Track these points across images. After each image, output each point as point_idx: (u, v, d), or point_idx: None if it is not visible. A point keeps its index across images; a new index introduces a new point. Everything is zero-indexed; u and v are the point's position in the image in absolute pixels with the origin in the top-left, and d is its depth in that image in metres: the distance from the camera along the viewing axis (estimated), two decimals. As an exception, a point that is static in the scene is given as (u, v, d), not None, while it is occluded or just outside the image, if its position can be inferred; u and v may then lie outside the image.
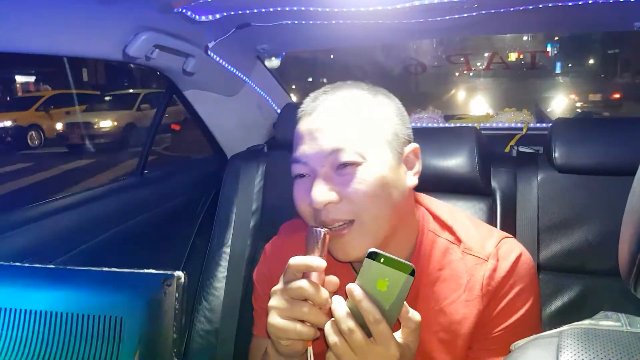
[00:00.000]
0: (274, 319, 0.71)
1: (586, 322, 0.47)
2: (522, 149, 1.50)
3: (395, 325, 0.66)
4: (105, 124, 10.92)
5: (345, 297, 0.67)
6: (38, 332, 0.52)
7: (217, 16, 1.21)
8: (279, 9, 1.21)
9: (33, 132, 11.14)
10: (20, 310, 0.52)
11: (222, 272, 1.51)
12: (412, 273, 0.63)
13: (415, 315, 0.67)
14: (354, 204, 0.76)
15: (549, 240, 1.31)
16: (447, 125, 1.90)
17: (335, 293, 0.72)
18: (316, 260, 0.71)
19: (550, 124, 1.45)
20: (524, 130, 1.82)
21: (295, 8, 1.21)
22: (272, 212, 1.53)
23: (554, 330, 0.47)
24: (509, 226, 1.32)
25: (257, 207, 1.57)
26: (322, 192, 0.76)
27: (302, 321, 0.70)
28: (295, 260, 0.72)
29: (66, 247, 1.23)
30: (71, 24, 1.03)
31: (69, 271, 0.56)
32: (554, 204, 1.33)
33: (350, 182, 0.76)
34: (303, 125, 0.82)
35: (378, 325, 0.64)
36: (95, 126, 10.76)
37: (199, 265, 1.57)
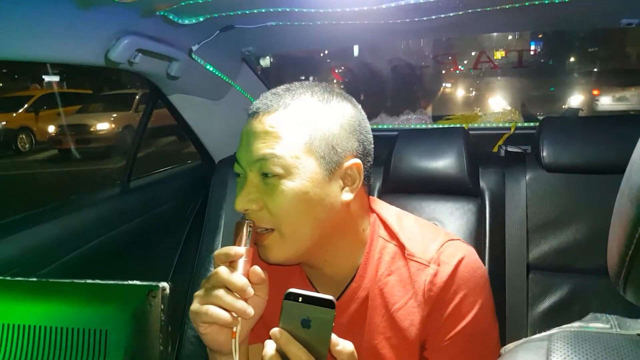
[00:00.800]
0: (193, 305, 0.72)
1: (576, 324, 0.47)
2: (510, 149, 1.51)
3: (330, 358, 0.66)
4: (102, 126, 10.25)
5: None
6: (21, 346, 0.50)
7: (201, 19, 1.19)
8: (263, 10, 1.20)
9: (23, 135, 10.39)
10: (3, 324, 0.50)
11: None
12: (333, 306, 0.63)
13: (346, 346, 0.66)
14: (273, 216, 0.77)
15: (538, 239, 1.32)
16: (435, 126, 1.91)
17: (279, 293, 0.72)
18: (234, 249, 0.73)
19: (538, 123, 1.46)
20: (512, 130, 1.84)
21: (279, 9, 1.19)
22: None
23: (543, 334, 0.47)
24: (498, 226, 1.33)
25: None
26: (243, 200, 0.77)
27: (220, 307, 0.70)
28: (218, 251, 0.74)
29: (54, 256, 1.21)
30: (50, 30, 1.01)
31: (52, 284, 0.54)
32: (542, 203, 1.34)
33: (272, 194, 0.76)
34: (245, 127, 0.82)
35: None
36: (91, 129, 10.09)
37: (189, 272, 1.55)
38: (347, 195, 0.81)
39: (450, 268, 0.81)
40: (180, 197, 1.74)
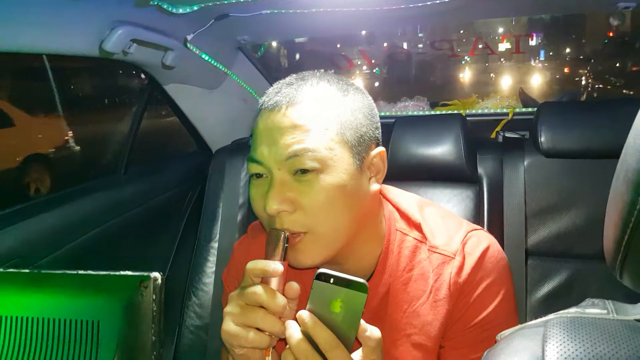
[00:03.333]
0: (228, 325, 0.67)
1: (572, 310, 0.47)
2: (508, 135, 1.50)
3: (355, 344, 0.63)
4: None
5: None
6: (13, 338, 0.50)
7: (195, 8, 1.18)
8: (258, -2, 1.18)
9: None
10: (-6, 317, 0.50)
11: (210, 267, 1.50)
12: (365, 290, 0.60)
13: (374, 332, 0.64)
14: (308, 216, 0.71)
15: (536, 225, 1.32)
16: (432, 112, 1.89)
17: (301, 298, 0.69)
18: (272, 265, 0.67)
19: (536, 109, 1.45)
20: (510, 115, 1.82)
21: (275, -3, 1.18)
22: (259, 205, 1.52)
23: (539, 320, 0.47)
24: (497, 212, 1.33)
25: (244, 200, 1.55)
26: (276, 201, 0.70)
27: (258, 329, 0.66)
28: (252, 265, 0.68)
29: (52, 248, 1.21)
30: (44, 20, 0.99)
31: (44, 275, 0.54)
32: (540, 188, 1.33)
33: (307, 191, 0.71)
34: (262, 122, 0.75)
35: (333, 352, 0.60)
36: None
37: (188, 262, 1.56)
38: (375, 186, 0.78)
39: (474, 259, 0.79)
40: (178, 187, 1.74)
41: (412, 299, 0.80)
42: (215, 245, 1.51)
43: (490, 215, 1.31)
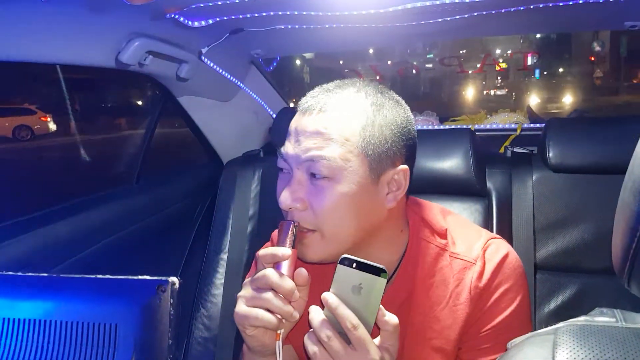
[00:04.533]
0: (239, 306, 0.71)
1: (582, 318, 0.47)
2: (516, 150, 1.50)
3: (373, 331, 0.66)
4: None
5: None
6: (33, 341, 0.51)
7: (210, 22, 1.21)
8: (272, 13, 1.21)
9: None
10: (15, 319, 0.52)
11: (219, 278, 1.51)
12: (385, 275, 0.64)
13: (392, 318, 0.67)
14: (317, 216, 0.76)
15: (545, 239, 1.32)
16: (442, 127, 1.91)
17: (314, 293, 0.72)
18: (281, 250, 0.72)
19: (544, 124, 1.46)
20: (518, 130, 1.83)
21: (288, 13, 1.21)
22: (269, 217, 1.53)
23: (549, 328, 0.47)
24: (505, 226, 1.33)
25: (254, 212, 1.56)
26: (289, 197, 0.76)
27: (268, 310, 0.70)
28: (263, 252, 0.73)
29: (63, 255, 1.22)
30: (63, 32, 1.03)
31: (63, 279, 0.55)
32: (549, 203, 1.33)
33: (319, 195, 0.75)
34: (294, 122, 0.80)
35: (356, 331, 0.64)
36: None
37: (197, 273, 1.56)
38: (391, 203, 0.80)
39: (494, 264, 0.82)
40: (189, 197, 1.76)
41: (433, 304, 0.83)
42: (225, 256, 1.52)
43: (499, 229, 1.31)
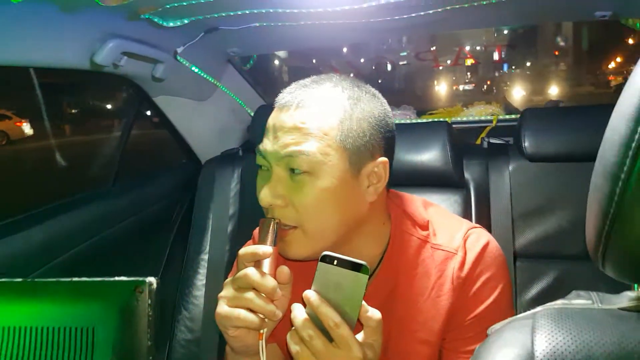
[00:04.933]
0: (221, 307, 0.70)
1: (559, 302, 0.49)
2: (492, 141, 1.53)
3: (356, 327, 0.66)
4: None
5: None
6: (7, 348, 0.50)
7: (185, 21, 1.19)
8: (247, 12, 1.20)
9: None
10: (-13, 327, 0.50)
11: (201, 279, 1.49)
12: (366, 271, 0.64)
13: (375, 313, 0.67)
14: (298, 212, 0.75)
15: (523, 228, 1.34)
16: (419, 120, 1.92)
17: (297, 290, 0.72)
18: (262, 248, 0.71)
19: (519, 115, 1.48)
20: (494, 122, 1.86)
21: (263, 11, 1.20)
22: (249, 216, 1.52)
23: (528, 312, 0.48)
24: (484, 216, 1.35)
25: (234, 211, 1.55)
26: (268, 194, 0.75)
27: (250, 310, 0.70)
28: (243, 250, 0.72)
29: (41, 261, 1.19)
30: (35, 33, 1.00)
31: (37, 284, 0.54)
32: (526, 192, 1.36)
33: (299, 190, 0.75)
34: (271, 118, 0.79)
35: (338, 329, 0.64)
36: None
37: (177, 274, 1.55)
38: (372, 196, 0.80)
39: (475, 253, 0.83)
40: (167, 198, 1.74)
41: (417, 296, 0.83)
42: (206, 257, 1.51)
43: (478, 219, 1.34)
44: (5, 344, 0.50)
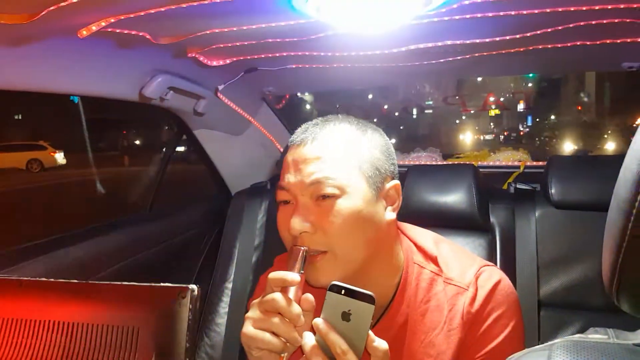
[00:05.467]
0: (247, 328, 0.73)
1: (576, 336, 0.50)
2: (519, 186, 1.53)
3: (364, 356, 0.68)
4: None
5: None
6: (61, 342, 0.54)
7: (227, 61, 1.29)
8: (284, 54, 1.29)
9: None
10: (46, 321, 0.55)
11: (224, 307, 1.51)
12: (372, 302, 0.65)
13: (381, 344, 0.68)
14: (328, 236, 0.79)
15: (548, 276, 1.32)
16: (445, 163, 1.95)
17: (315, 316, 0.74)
18: (291, 275, 0.74)
19: (546, 162, 1.49)
20: (521, 168, 1.87)
21: (300, 53, 1.28)
22: (274, 247, 1.55)
23: (545, 344, 0.50)
24: (509, 262, 1.33)
25: (260, 242, 1.59)
26: (299, 222, 0.79)
27: (274, 333, 0.72)
28: (273, 275, 0.75)
29: (74, 278, 1.25)
30: (91, 66, 1.10)
31: (90, 285, 0.59)
32: (552, 239, 1.35)
33: (327, 214, 0.79)
34: (290, 155, 0.85)
35: (345, 357, 0.65)
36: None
37: (202, 301, 1.57)
38: (390, 215, 0.85)
39: (486, 291, 0.85)
40: (197, 227, 1.79)
41: (429, 329, 0.85)
42: (230, 285, 1.53)
43: (503, 264, 1.33)
44: (59, 338, 0.54)
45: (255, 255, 1.57)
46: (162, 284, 0.56)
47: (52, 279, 0.59)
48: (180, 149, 1.88)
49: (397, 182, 0.87)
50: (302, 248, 0.78)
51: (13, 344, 0.54)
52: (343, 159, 0.82)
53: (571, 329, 1.27)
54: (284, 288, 0.75)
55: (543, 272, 1.32)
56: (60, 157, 13.93)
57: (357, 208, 0.80)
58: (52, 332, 0.55)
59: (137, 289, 0.56)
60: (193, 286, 0.56)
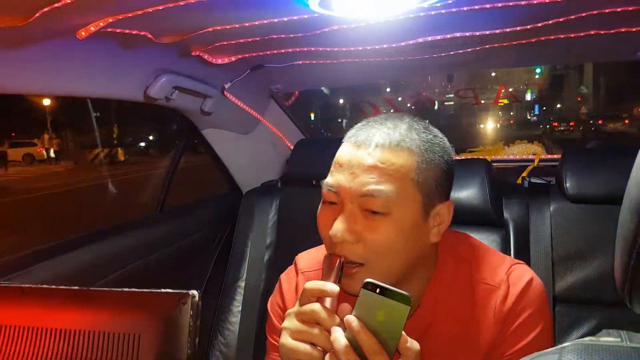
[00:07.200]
0: (286, 339, 0.71)
1: (587, 339, 0.48)
2: (533, 180, 1.50)
3: (395, 357, 0.66)
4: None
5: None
6: (62, 349, 0.54)
7: (233, 59, 1.28)
8: (291, 50, 1.28)
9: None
10: (47, 329, 0.55)
11: (237, 306, 1.52)
12: (408, 302, 0.63)
13: (414, 344, 0.67)
14: (368, 250, 0.76)
15: (563, 271, 1.30)
16: (458, 158, 1.93)
17: None
18: (329, 286, 0.72)
19: (561, 155, 1.46)
20: (536, 162, 1.84)
21: (306, 49, 1.27)
22: (285, 245, 1.56)
23: (556, 347, 0.48)
24: (523, 257, 1.31)
25: (272, 241, 1.59)
26: (342, 230, 0.75)
27: (313, 344, 0.70)
28: (311, 285, 0.72)
29: (85, 281, 1.26)
30: (94, 67, 1.10)
31: (91, 292, 0.59)
32: (567, 234, 1.32)
33: (372, 229, 0.76)
34: (346, 154, 0.79)
35: (376, 356, 0.64)
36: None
37: (215, 300, 1.58)
38: (435, 237, 0.81)
39: (518, 289, 0.83)
40: (208, 226, 1.80)
41: (459, 330, 0.83)
42: (243, 284, 1.54)
43: (517, 259, 1.30)
44: (60, 345, 0.54)
45: (267, 253, 1.57)
46: (162, 290, 0.56)
47: (53, 286, 0.59)
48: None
49: (450, 202, 0.82)
50: (340, 258, 0.76)
51: (15, 352, 0.54)
52: (403, 175, 0.76)
53: (587, 325, 1.24)
54: (320, 298, 0.72)
55: (558, 268, 1.30)
56: (50, 153, 18.15)
57: (404, 230, 0.76)
58: (53, 340, 0.55)
59: (138, 295, 0.56)
60: (194, 292, 0.55)
